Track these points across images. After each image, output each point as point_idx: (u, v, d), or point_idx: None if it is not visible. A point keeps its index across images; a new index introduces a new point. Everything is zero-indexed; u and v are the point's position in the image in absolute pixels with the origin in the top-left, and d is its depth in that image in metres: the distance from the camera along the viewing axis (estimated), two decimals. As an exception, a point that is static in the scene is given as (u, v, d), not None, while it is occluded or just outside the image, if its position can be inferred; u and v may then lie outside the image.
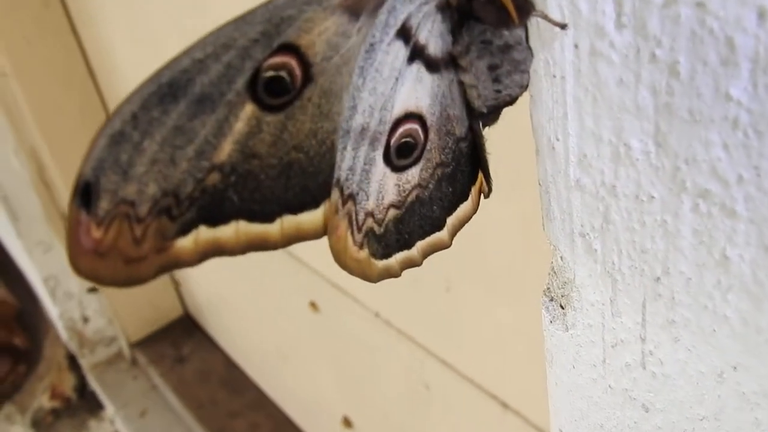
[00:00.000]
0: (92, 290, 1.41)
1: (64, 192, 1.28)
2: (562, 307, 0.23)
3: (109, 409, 1.41)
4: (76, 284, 1.41)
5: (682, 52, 0.16)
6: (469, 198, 0.22)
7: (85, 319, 1.44)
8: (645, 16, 0.16)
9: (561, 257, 0.22)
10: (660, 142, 0.17)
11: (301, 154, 0.18)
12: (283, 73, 0.17)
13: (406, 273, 0.21)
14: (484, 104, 0.20)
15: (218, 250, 0.19)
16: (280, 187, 0.18)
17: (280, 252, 0.93)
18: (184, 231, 0.18)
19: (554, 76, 0.19)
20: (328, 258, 0.20)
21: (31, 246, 1.34)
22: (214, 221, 0.18)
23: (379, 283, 0.21)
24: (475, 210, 0.22)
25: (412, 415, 0.86)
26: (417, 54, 0.18)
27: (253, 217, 0.19)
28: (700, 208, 0.17)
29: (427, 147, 0.20)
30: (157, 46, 0.96)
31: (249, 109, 0.18)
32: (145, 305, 1.46)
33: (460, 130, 0.20)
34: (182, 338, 1.45)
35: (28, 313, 1.53)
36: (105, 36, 1.12)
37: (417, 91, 0.18)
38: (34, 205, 1.31)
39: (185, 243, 0.18)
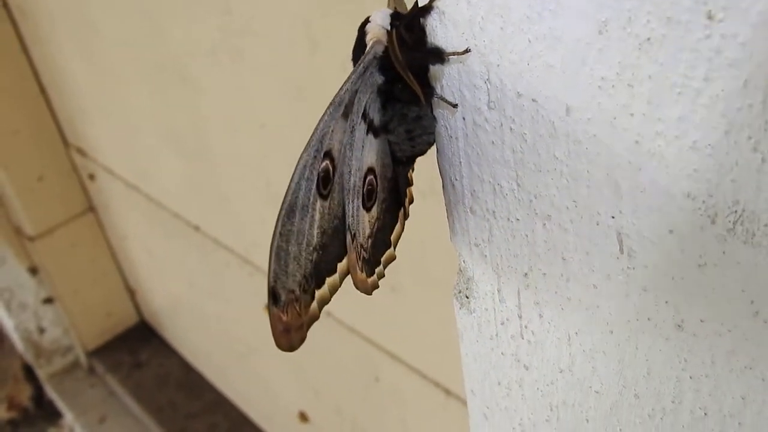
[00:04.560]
0: (47, 301, 1.45)
1: (18, 207, 1.31)
2: (467, 297, 0.32)
3: (68, 417, 1.44)
4: (31, 295, 1.44)
5: (526, 127, 0.24)
6: (398, 221, 0.30)
7: (41, 330, 1.47)
8: (504, 103, 0.24)
9: (464, 261, 0.31)
10: (519, 183, 0.26)
11: (336, 219, 0.28)
12: (328, 171, 0.27)
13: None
14: (404, 155, 0.28)
15: (325, 301, 0.28)
16: (335, 245, 0.28)
17: (234, 258, 0.98)
18: (312, 297, 0.28)
19: (451, 137, 0.27)
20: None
21: (-16, 260, 1.37)
22: (319, 285, 0.28)
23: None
24: (402, 228, 0.30)
25: (364, 406, 0.93)
26: (370, 126, 0.27)
27: (330, 272, 0.28)
28: (546, 226, 0.26)
29: (378, 189, 0.28)
30: (107, 65, 1.01)
31: (318, 202, 0.27)
32: (101, 314, 1.49)
33: (390, 173, 0.29)
34: (139, 345, 1.49)
35: (-19, 326, 1.55)
36: (56, 55, 1.16)
37: (370, 151, 0.27)
38: (-12, 220, 1.34)
39: (314, 305, 0.28)
